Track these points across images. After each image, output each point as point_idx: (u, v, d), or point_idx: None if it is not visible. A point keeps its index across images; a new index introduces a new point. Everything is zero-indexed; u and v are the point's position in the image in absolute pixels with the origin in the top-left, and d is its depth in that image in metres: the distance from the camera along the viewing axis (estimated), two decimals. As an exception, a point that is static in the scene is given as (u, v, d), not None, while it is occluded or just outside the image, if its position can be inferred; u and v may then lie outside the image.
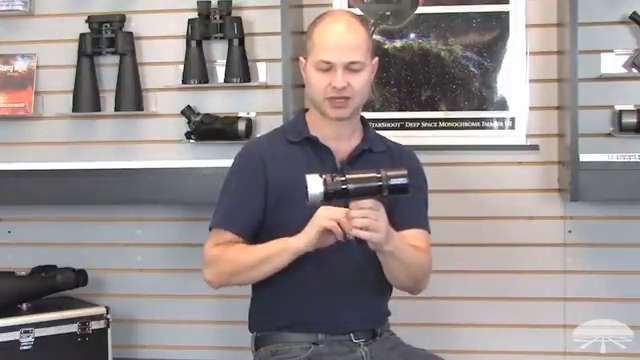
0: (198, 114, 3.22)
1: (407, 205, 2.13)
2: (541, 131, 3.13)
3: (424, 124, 3.19)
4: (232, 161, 2.23)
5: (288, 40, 2.98)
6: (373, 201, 1.90)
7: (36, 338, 2.96)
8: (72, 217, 3.40)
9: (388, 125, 3.17)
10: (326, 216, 1.95)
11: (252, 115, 3.22)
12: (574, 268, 3.13)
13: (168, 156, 3.23)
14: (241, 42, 3.17)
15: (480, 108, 3.17)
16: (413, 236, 2.13)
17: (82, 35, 3.26)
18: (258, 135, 3.09)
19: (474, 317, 3.19)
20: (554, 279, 3.14)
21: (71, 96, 3.28)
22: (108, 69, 3.31)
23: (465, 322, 3.20)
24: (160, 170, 3.13)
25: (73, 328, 3.03)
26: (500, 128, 3.16)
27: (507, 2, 3.12)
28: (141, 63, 3.28)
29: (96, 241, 3.38)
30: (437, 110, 3.18)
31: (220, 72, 3.23)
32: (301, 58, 2.19)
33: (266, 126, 3.10)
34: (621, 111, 3.00)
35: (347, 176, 1.89)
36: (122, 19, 3.26)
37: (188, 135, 3.23)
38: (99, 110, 3.30)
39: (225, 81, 3.20)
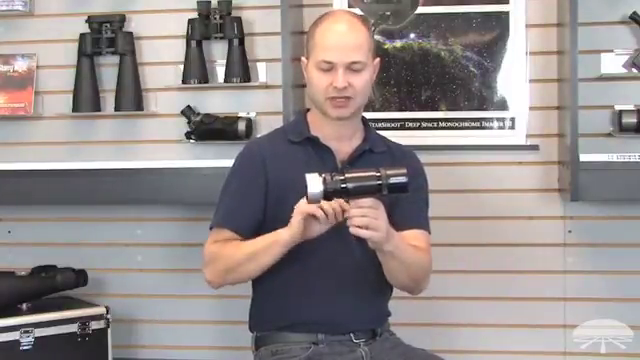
0: (198, 114, 3.22)
1: (408, 205, 2.13)
2: (541, 131, 3.13)
3: (424, 124, 3.19)
4: (233, 161, 2.23)
5: (288, 40, 2.98)
6: (373, 200, 1.90)
7: (36, 338, 2.96)
8: (72, 217, 3.40)
9: (388, 125, 3.17)
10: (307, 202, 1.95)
11: (252, 115, 3.22)
12: (574, 268, 3.13)
13: (168, 156, 3.23)
14: (241, 42, 3.17)
15: (480, 108, 3.17)
16: (413, 236, 2.13)
17: (82, 35, 3.26)
18: (258, 135, 3.09)
19: (474, 317, 3.19)
20: (554, 279, 3.14)
21: (71, 96, 3.28)
22: (108, 69, 3.31)
23: (465, 322, 3.20)
24: (160, 170, 3.13)
25: (73, 328, 3.03)
26: (500, 128, 3.16)
27: (507, 2, 3.12)
28: (141, 63, 3.29)
29: (96, 241, 3.38)
30: (437, 110, 3.18)
31: (220, 72, 3.23)
32: (303, 58, 2.19)
33: (266, 126, 3.11)
34: (621, 111, 3.00)
35: (346, 175, 1.89)
36: (122, 19, 3.26)
37: (188, 135, 3.23)
38: (99, 110, 3.30)
39: (225, 81, 3.20)
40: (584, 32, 2.87)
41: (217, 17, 3.18)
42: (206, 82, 3.22)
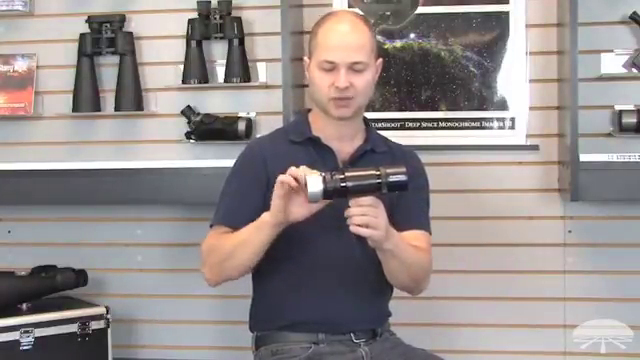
0: (198, 114, 3.22)
1: (408, 206, 2.13)
2: (541, 131, 3.13)
3: (424, 124, 3.19)
4: (233, 161, 2.23)
5: (288, 40, 2.98)
6: (372, 198, 1.90)
7: (36, 338, 2.96)
8: (72, 217, 3.40)
9: (388, 125, 3.17)
10: (281, 178, 1.94)
11: (252, 115, 3.22)
12: (574, 268, 3.13)
13: (168, 156, 3.23)
14: (241, 42, 3.17)
15: (480, 108, 3.17)
16: (414, 237, 2.13)
17: (82, 35, 3.26)
18: (258, 135, 3.09)
19: (474, 317, 3.19)
20: (554, 279, 3.14)
21: (71, 96, 3.28)
22: (108, 69, 3.31)
23: (465, 322, 3.20)
24: (160, 170, 3.13)
25: (73, 328, 3.03)
26: (500, 128, 3.16)
27: (507, 2, 3.12)
28: (141, 63, 3.29)
29: (96, 241, 3.38)
30: (437, 110, 3.19)
31: (220, 72, 3.23)
32: (305, 57, 2.19)
33: (266, 126, 3.11)
34: (621, 111, 3.00)
35: (346, 174, 1.89)
36: (122, 19, 3.26)
37: (188, 135, 3.24)
38: (99, 110, 3.30)
39: (225, 81, 3.20)
40: (584, 32, 2.87)
41: (217, 17, 3.18)
42: (206, 82, 3.22)
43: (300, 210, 1.96)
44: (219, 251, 2.09)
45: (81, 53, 3.26)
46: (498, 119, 3.16)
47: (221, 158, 2.95)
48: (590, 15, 2.96)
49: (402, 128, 3.19)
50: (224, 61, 3.20)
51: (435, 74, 3.18)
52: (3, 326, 2.92)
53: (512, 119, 3.15)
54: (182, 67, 3.22)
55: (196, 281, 3.26)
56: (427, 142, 3.13)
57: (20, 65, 3.36)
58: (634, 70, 3.01)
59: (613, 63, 3.02)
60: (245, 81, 3.17)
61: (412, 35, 3.18)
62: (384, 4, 3.20)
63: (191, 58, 3.20)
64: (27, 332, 2.95)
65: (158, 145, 3.30)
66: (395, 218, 2.05)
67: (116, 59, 3.27)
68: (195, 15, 3.20)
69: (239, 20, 3.18)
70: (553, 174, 3.12)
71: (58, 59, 3.34)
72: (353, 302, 2.15)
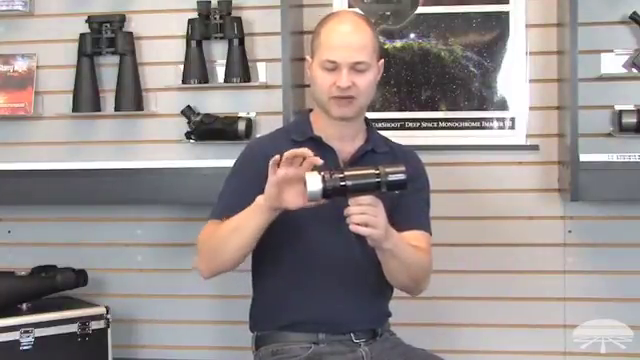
0: (198, 114, 3.22)
1: (409, 206, 2.13)
2: (541, 131, 3.13)
3: (424, 124, 3.19)
4: (233, 161, 2.23)
5: (288, 40, 2.98)
6: (372, 197, 1.90)
7: (36, 338, 2.96)
8: (72, 217, 3.40)
9: (388, 125, 3.17)
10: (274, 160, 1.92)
11: (252, 115, 3.22)
12: (574, 268, 3.14)
13: (168, 156, 3.23)
14: (241, 42, 3.17)
15: (480, 108, 3.17)
16: (414, 237, 2.12)
17: (82, 35, 3.26)
18: (258, 135, 3.09)
19: (474, 317, 3.19)
20: (554, 279, 3.14)
21: (71, 96, 3.28)
22: (108, 69, 3.31)
23: (465, 322, 3.20)
24: (160, 170, 3.13)
25: (73, 328, 3.03)
26: (500, 128, 3.16)
27: (507, 2, 3.12)
28: (141, 63, 3.29)
29: (96, 241, 3.38)
30: (437, 110, 3.19)
31: (220, 72, 3.23)
32: (307, 57, 2.19)
33: (266, 126, 3.11)
34: (621, 111, 3.00)
35: (345, 173, 1.89)
36: (122, 19, 3.26)
37: (188, 135, 3.24)
38: (99, 110, 3.30)
39: (225, 81, 3.20)
40: (584, 32, 2.88)
41: (217, 17, 3.18)
42: (206, 82, 3.22)
43: (295, 200, 1.95)
44: (213, 239, 2.08)
45: (81, 53, 3.26)
46: (498, 119, 3.16)
47: (221, 158, 2.95)
48: (590, 15, 2.96)
49: (402, 128, 3.19)
50: (224, 61, 3.20)
51: (435, 74, 3.18)
52: (3, 326, 2.92)
53: (512, 119, 3.15)
54: (182, 67, 3.22)
55: (196, 281, 3.26)
56: (427, 142, 3.13)
57: (20, 65, 3.36)
58: (634, 70, 3.01)
59: (613, 63, 3.02)
60: (245, 81, 3.17)
61: (412, 35, 3.18)
62: (384, 4, 3.20)
63: (191, 58, 3.20)
64: (27, 332, 2.95)
65: (158, 145, 3.30)
66: (395, 218, 2.05)
67: (116, 59, 3.27)
68: (195, 15, 3.20)
69: (239, 20, 3.18)
70: (553, 174, 3.12)
71: (58, 59, 3.34)
72: (353, 302, 2.15)
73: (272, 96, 3.14)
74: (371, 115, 3.04)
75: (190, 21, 3.20)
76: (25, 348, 2.94)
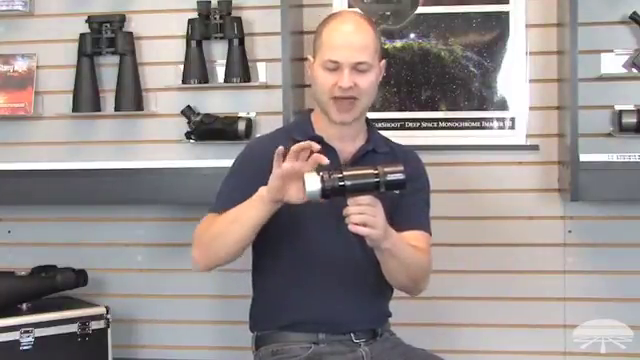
0: (198, 114, 3.22)
1: (409, 206, 2.14)
2: (541, 131, 3.13)
3: (424, 124, 3.19)
4: (233, 161, 2.23)
5: (288, 40, 2.98)
6: (371, 197, 1.90)
7: (36, 338, 2.96)
8: (72, 217, 3.40)
9: (388, 125, 3.17)
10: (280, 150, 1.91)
11: (252, 115, 3.22)
12: (574, 268, 3.13)
13: (168, 156, 3.23)
14: (241, 42, 3.17)
15: (480, 108, 3.17)
16: (414, 237, 2.12)
17: (82, 35, 3.26)
18: (258, 135, 3.09)
19: (474, 317, 3.19)
20: (554, 279, 3.14)
21: (71, 96, 3.28)
22: (108, 69, 3.31)
23: (465, 322, 3.20)
24: (160, 170, 3.13)
25: (73, 328, 3.03)
26: (500, 128, 3.16)
27: (507, 2, 3.12)
28: (141, 63, 3.29)
29: (96, 241, 3.38)
30: (437, 110, 3.19)
31: (220, 72, 3.23)
32: (309, 57, 2.19)
33: (266, 126, 3.11)
34: (621, 111, 3.00)
35: (344, 173, 1.89)
36: (122, 19, 3.26)
37: (188, 135, 3.24)
38: (99, 110, 3.30)
39: (225, 81, 3.20)
40: (584, 32, 2.87)
41: (217, 17, 3.18)
42: (206, 82, 3.22)
43: (297, 194, 1.94)
44: (212, 230, 2.06)
45: (81, 53, 3.26)
46: (498, 119, 3.16)
47: (221, 158, 2.94)
48: (590, 15, 2.96)
49: (402, 128, 3.19)
50: (224, 61, 3.20)
51: (435, 74, 3.18)
52: (3, 326, 2.92)
53: (512, 119, 3.15)
54: (182, 67, 3.22)
55: (196, 281, 3.29)
56: (427, 142, 3.13)
57: (20, 65, 3.36)
58: (634, 70, 3.01)
59: (613, 63, 3.02)
60: (245, 81, 3.17)
61: (412, 35, 3.18)
62: (384, 4, 3.20)
63: (191, 58, 3.20)
64: (27, 332, 2.95)
65: (158, 145, 3.30)
66: (395, 218, 2.05)
67: (116, 59, 3.27)
68: (195, 15, 3.20)
69: (239, 20, 3.18)
70: (553, 174, 3.12)
71: (58, 59, 3.34)
72: (353, 302, 2.15)
73: (272, 96, 3.14)
74: (371, 115, 3.03)
75: (190, 21, 3.20)
76: (25, 348, 2.94)
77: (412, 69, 3.19)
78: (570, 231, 3.13)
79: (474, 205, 3.19)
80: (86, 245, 3.37)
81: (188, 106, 3.22)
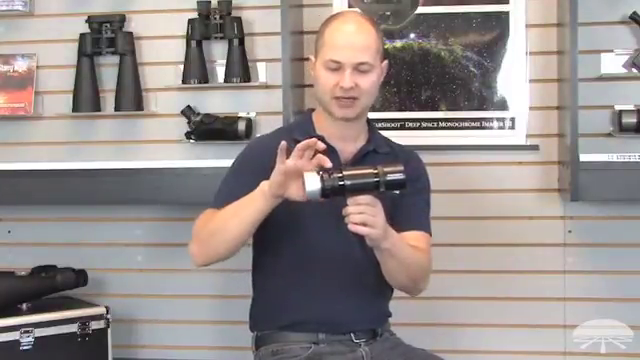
0: (198, 114, 3.22)
1: (409, 207, 2.14)
2: (541, 131, 3.13)
3: (424, 124, 3.19)
4: (232, 161, 2.23)
5: (288, 40, 2.98)
6: (370, 197, 1.90)
7: (36, 338, 2.96)
8: (72, 217, 3.40)
9: (388, 125, 3.17)
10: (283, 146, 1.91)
11: (252, 115, 3.22)
12: (574, 268, 3.14)
13: (168, 156, 3.23)
14: (241, 42, 3.17)
15: (480, 108, 3.17)
16: (414, 237, 2.12)
17: (82, 35, 3.26)
18: (258, 135, 3.09)
19: (474, 317, 3.19)
20: (554, 279, 3.14)
21: (71, 96, 3.28)
22: (108, 69, 3.31)
23: (465, 322, 3.20)
24: (160, 170, 3.13)
25: (73, 328, 3.03)
26: (500, 128, 3.16)
27: (507, 2, 3.12)
28: (141, 63, 3.29)
29: (96, 241, 3.38)
30: (437, 110, 3.19)
31: (220, 72, 3.23)
32: (311, 57, 2.19)
33: (266, 126, 3.10)
34: (621, 111, 3.00)
35: (344, 172, 1.89)
36: (122, 19, 3.26)
37: (188, 135, 3.24)
38: (99, 110, 3.30)
39: (225, 81, 3.20)
40: (584, 32, 2.88)
41: (217, 17, 3.18)
42: (206, 82, 3.22)
43: (299, 191, 1.93)
44: (210, 226, 2.06)
45: (81, 53, 3.26)
46: (498, 119, 3.16)
47: (221, 158, 2.94)
48: (590, 15, 2.96)
49: (402, 128, 3.19)
50: (224, 61, 3.20)
51: (435, 74, 3.18)
52: (3, 326, 2.92)
53: (512, 119, 3.15)
54: (182, 67, 3.22)
55: (196, 281, 3.29)
56: (427, 142, 3.13)
57: (20, 65, 3.36)
58: (634, 70, 3.01)
59: (613, 63, 3.02)
60: (245, 81, 3.17)
61: (412, 35, 3.19)
62: (384, 4, 3.20)
63: (191, 58, 3.20)
64: (27, 332, 2.95)
65: (158, 145, 3.30)
66: (395, 218, 2.05)
67: (116, 59, 3.27)
68: (195, 15, 3.20)
69: (239, 20, 3.18)
70: (553, 174, 3.12)
71: (58, 59, 3.34)
72: (353, 302, 2.15)
73: (272, 96, 3.14)
74: (371, 115, 3.02)
75: (190, 21, 3.20)
76: (25, 348, 2.94)
77: (412, 69, 3.19)
78: (570, 231, 3.13)
79: (474, 205, 3.19)
80: (86, 245, 3.37)
81: (188, 106, 3.22)
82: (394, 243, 1.99)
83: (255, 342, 2.22)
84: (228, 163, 2.23)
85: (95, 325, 3.07)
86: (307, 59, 2.21)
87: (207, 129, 3.19)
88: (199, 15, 3.20)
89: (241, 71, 3.17)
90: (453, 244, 3.12)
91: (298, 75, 3.08)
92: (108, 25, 3.25)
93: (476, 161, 3.18)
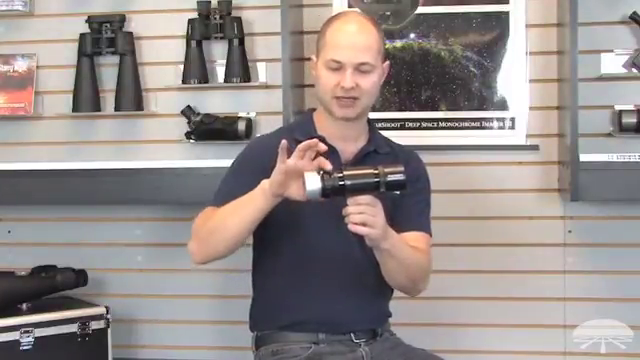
0: (198, 114, 3.22)
1: (409, 207, 2.14)
2: (541, 131, 3.13)
3: (424, 124, 3.19)
4: (234, 159, 2.23)
5: (288, 40, 2.98)
6: (371, 197, 1.90)
7: (36, 338, 2.96)
8: (72, 217, 3.40)
9: (388, 125, 3.17)
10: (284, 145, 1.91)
11: (252, 115, 3.22)
12: (574, 268, 3.14)
13: (168, 156, 3.23)
14: (241, 42, 3.17)
15: (480, 108, 3.17)
16: (414, 238, 2.12)
17: (82, 35, 3.26)
18: (259, 135, 3.09)
19: (474, 317, 3.19)
20: (554, 279, 3.14)
21: (71, 96, 3.28)
22: (108, 69, 3.31)
23: (465, 322, 3.20)
24: (160, 170, 3.13)
25: (73, 328, 3.03)
26: (500, 128, 3.16)
27: (507, 2, 3.12)
28: (141, 63, 3.29)
29: (96, 241, 3.38)
30: (437, 110, 3.19)
31: (220, 72, 3.23)
32: (312, 56, 2.19)
33: (266, 126, 3.11)
34: (621, 111, 3.00)
35: (344, 172, 1.89)
36: (122, 19, 3.26)
37: (188, 135, 3.24)
38: (99, 110, 3.30)
39: (225, 81, 3.20)
40: (584, 32, 2.88)
41: (217, 17, 3.18)
42: (206, 82, 3.22)
43: (299, 191, 1.93)
44: (209, 224, 2.06)
45: (81, 53, 3.26)
46: (498, 119, 3.16)
47: (221, 158, 2.94)
48: (590, 15, 2.96)
49: (402, 128, 3.19)
50: (224, 61, 3.20)
51: (435, 74, 3.18)
52: (3, 326, 2.92)
53: (512, 119, 3.15)
54: (182, 67, 3.22)
55: (196, 281, 3.29)
56: (427, 142, 3.13)
57: (20, 65, 3.36)
58: (634, 70, 3.01)
59: (613, 63, 3.02)
60: (245, 81, 3.17)
61: (412, 35, 3.19)
62: (384, 4, 3.20)
63: (191, 58, 3.20)
64: (27, 332, 2.95)
65: (158, 145, 3.30)
66: (395, 219, 2.05)
67: (116, 59, 3.27)
68: (195, 15, 3.20)
69: (239, 20, 3.18)
70: (553, 174, 3.12)
71: (58, 59, 3.34)
72: (353, 302, 2.15)
73: (272, 96, 3.14)
74: (371, 115, 3.01)
75: (190, 21, 3.19)
76: (25, 348, 2.94)
77: (412, 69, 3.19)
78: (570, 231, 3.13)
79: (474, 205, 3.19)
80: (86, 245, 3.37)
81: (188, 106, 3.22)
82: (394, 243, 1.99)
83: (255, 342, 2.22)
84: (228, 163, 2.24)
85: (95, 325, 3.07)
86: (307, 59, 2.21)
87: (207, 129, 3.19)
88: (199, 15, 3.20)
89: (241, 71, 3.17)
90: (453, 244, 3.12)
91: (298, 75, 3.08)
92: (108, 25, 3.25)
93: (476, 161, 3.18)
